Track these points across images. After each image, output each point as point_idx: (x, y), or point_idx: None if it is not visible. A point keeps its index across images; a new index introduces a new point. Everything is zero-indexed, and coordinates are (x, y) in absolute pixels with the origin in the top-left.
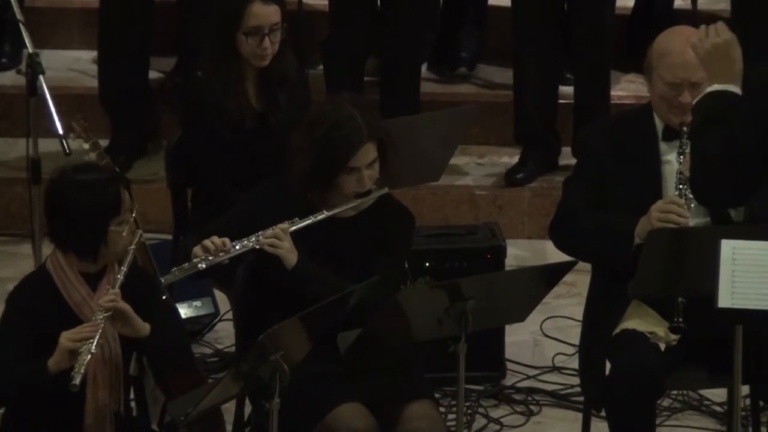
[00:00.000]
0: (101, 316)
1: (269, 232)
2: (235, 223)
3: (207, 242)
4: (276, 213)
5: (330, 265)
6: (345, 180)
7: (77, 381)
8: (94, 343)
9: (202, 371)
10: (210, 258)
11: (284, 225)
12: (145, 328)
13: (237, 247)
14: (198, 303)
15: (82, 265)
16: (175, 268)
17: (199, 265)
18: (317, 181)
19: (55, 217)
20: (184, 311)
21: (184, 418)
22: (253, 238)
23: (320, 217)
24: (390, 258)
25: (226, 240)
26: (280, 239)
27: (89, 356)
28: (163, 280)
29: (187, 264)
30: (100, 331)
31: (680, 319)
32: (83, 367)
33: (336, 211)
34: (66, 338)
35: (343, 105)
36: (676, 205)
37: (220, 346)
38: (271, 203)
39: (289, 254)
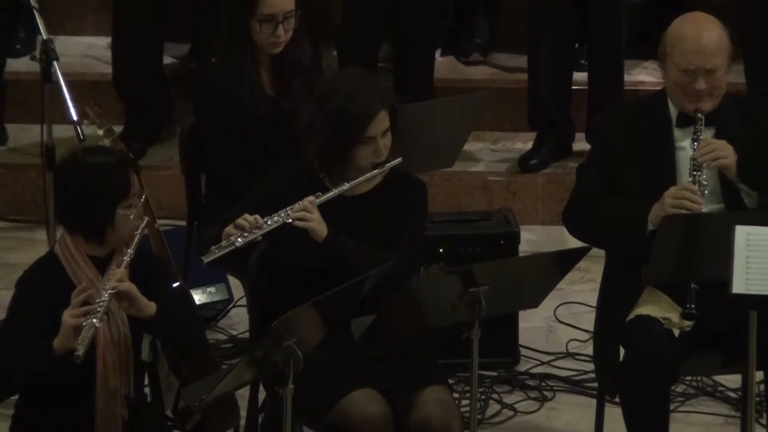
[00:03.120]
0: (106, 295)
1: (297, 206)
2: (254, 207)
3: (240, 221)
4: (294, 192)
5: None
6: (361, 151)
7: (81, 352)
8: (99, 316)
9: (216, 357)
10: (245, 235)
11: (311, 198)
12: (150, 307)
13: (269, 223)
14: (212, 289)
15: (89, 248)
16: (213, 247)
17: (236, 243)
18: (334, 155)
19: (64, 198)
20: (199, 297)
21: (198, 404)
22: (283, 213)
23: (343, 188)
24: (410, 228)
25: (258, 217)
26: (309, 212)
27: (93, 329)
28: (204, 259)
29: (224, 242)
30: (103, 304)
31: (692, 306)
32: (87, 339)
33: (357, 182)
34: (68, 315)
35: (351, 77)
36: (689, 192)
37: (234, 332)
38: (288, 184)
39: (320, 226)
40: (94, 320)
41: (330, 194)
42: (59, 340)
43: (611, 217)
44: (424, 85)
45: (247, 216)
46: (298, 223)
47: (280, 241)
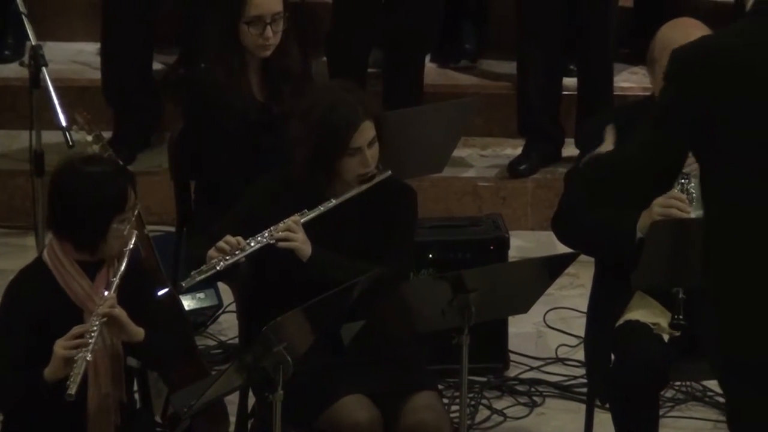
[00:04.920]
0: (96, 322)
1: (281, 225)
2: (241, 221)
3: (221, 243)
4: (281, 206)
5: (339, 250)
6: (348, 163)
7: (73, 390)
8: (89, 350)
9: (206, 363)
10: (227, 258)
11: (295, 217)
12: (138, 333)
13: (252, 245)
14: (201, 295)
15: (77, 255)
16: (193, 272)
17: (217, 266)
18: (320, 167)
19: (59, 207)
20: (188, 303)
21: (188, 409)
22: (267, 234)
23: (329, 206)
24: (399, 234)
25: (240, 239)
26: (293, 232)
27: (84, 364)
28: (183, 284)
29: (205, 266)
30: (94, 335)
31: (680, 317)
32: (79, 376)
33: (344, 198)
34: (60, 346)
35: (334, 89)
36: (677, 200)
37: (223, 338)
38: (275, 197)
39: (304, 245)
40: (87, 356)
41: (315, 212)
42: (50, 370)
43: (599, 226)
44: (414, 90)
45: (229, 238)
46: (281, 244)
47: (268, 254)
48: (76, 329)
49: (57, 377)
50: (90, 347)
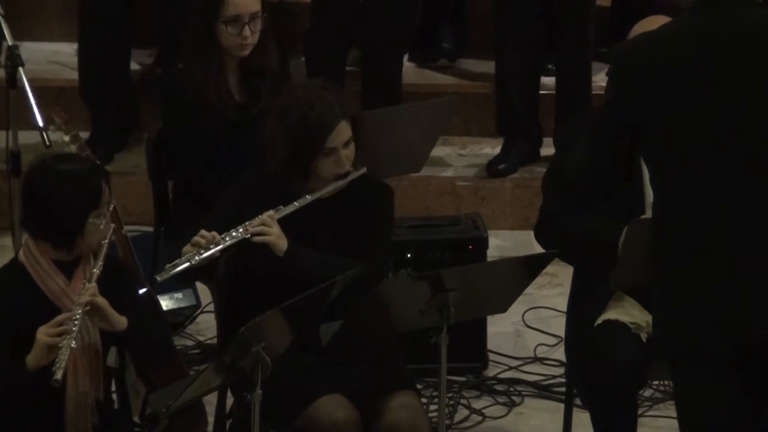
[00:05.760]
0: (79, 311)
1: (257, 220)
2: (219, 222)
3: (197, 238)
4: (259, 204)
5: (315, 247)
6: (323, 162)
7: (59, 375)
8: (73, 337)
9: (184, 363)
10: (202, 252)
11: (270, 212)
12: (121, 322)
13: (227, 239)
14: (179, 295)
15: (55, 254)
16: (168, 265)
17: (192, 261)
18: (296, 166)
19: (33, 206)
20: (166, 303)
21: (166, 410)
22: (241, 229)
23: (304, 202)
24: (376, 233)
25: (215, 233)
26: (268, 226)
27: (69, 351)
28: (158, 278)
29: (179, 259)
30: (77, 323)
31: None
32: (64, 362)
33: (319, 194)
34: (43, 333)
35: (312, 88)
36: None
37: (201, 338)
38: (252, 196)
39: (279, 240)
40: (72, 343)
41: (291, 208)
42: (32, 358)
43: (582, 238)
44: (392, 89)
45: (204, 233)
46: (256, 238)
47: (249, 246)
48: (59, 317)
49: (39, 365)
50: (73, 334)
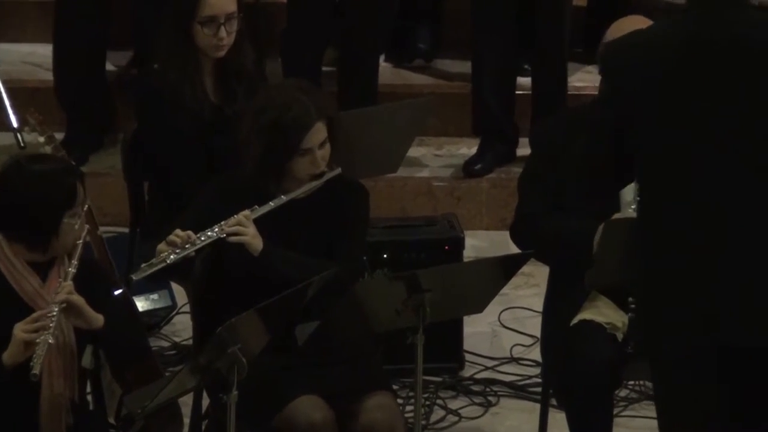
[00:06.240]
0: (56, 308)
1: (232, 220)
2: (194, 222)
3: (172, 237)
4: (234, 204)
5: (291, 247)
6: (298, 163)
7: (37, 370)
8: (51, 333)
9: (160, 364)
10: (177, 251)
11: (246, 212)
12: (98, 319)
13: (202, 239)
14: (155, 296)
15: (29, 255)
16: (143, 264)
17: (167, 260)
18: (271, 166)
19: (7, 207)
20: (141, 304)
21: (141, 411)
22: (217, 228)
23: (280, 202)
24: (351, 234)
25: (190, 232)
26: (244, 226)
27: (46, 346)
28: (133, 277)
29: (155, 259)
30: (54, 319)
31: (631, 348)
32: (42, 357)
33: (294, 194)
34: (20, 329)
35: (288, 88)
36: None
37: (177, 339)
38: (228, 196)
39: (255, 240)
40: (49, 338)
41: (266, 208)
42: (9, 355)
43: (557, 238)
44: (369, 90)
45: (179, 232)
46: (232, 238)
47: (225, 247)
48: (35, 314)
49: (16, 362)
50: (51, 330)
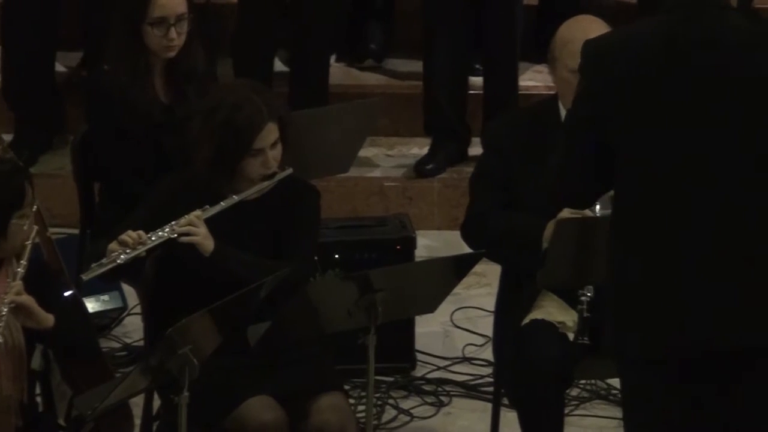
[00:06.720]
0: (5, 309)
1: (183, 220)
2: (144, 222)
3: (123, 236)
4: (185, 204)
5: (242, 248)
6: (250, 163)
7: None
8: (1, 332)
9: (110, 366)
10: (128, 251)
11: (197, 212)
12: (48, 319)
13: (153, 239)
14: (105, 297)
15: None
16: (94, 264)
17: (118, 260)
18: (222, 166)
19: None
20: (92, 305)
21: (92, 412)
22: (168, 228)
23: (231, 202)
24: (302, 235)
25: (141, 232)
26: (195, 226)
27: None
28: (84, 277)
29: (105, 259)
30: (3, 320)
31: (585, 338)
32: None
33: (245, 195)
34: None
35: (240, 88)
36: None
37: (128, 341)
38: (179, 195)
39: (206, 240)
40: None
41: (217, 208)
42: None
43: (506, 236)
44: (319, 90)
45: (130, 232)
46: (183, 238)
47: (176, 247)
48: None
49: None
50: (1, 330)
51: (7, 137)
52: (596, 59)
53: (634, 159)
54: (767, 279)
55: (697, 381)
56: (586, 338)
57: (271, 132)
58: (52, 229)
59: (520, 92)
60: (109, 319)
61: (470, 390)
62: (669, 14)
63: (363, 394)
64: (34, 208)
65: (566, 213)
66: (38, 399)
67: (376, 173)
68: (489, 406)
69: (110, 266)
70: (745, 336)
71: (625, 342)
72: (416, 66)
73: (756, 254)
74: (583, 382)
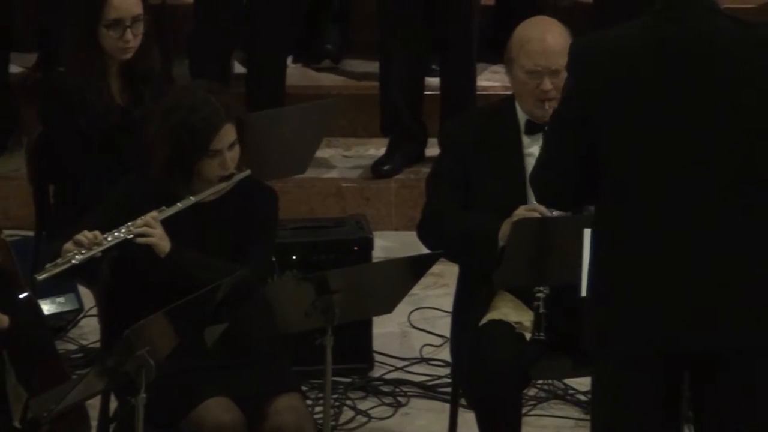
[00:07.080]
0: None
1: (139, 221)
2: (100, 223)
3: (79, 236)
4: (142, 205)
5: (199, 249)
6: (207, 164)
7: None
8: None
9: (66, 367)
10: (83, 252)
11: (153, 213)
12: (2, 321)
13: (109, 239)
14: (61, 299)
15: None
16: (48, 264)
17: (73, 260)
18: (179, 167)
19: None
20: (47, 307)
21: (47, 414)
22: (124, 229)
23: (188, 203)
24: (259, 236)
25: (97, 233)
26: (151, 227)
27: None
28: (38, 278)
29: (60, 259)
30: None
31: (541, 334)
32: None
33: (203, 196)
34: None
35: (197, 90)
36: (537, 212)
37: (84, 342)
38: (136, 196)
39: (162, 241)
40: None
41: (174, 209)
42: None
43: (462, 236)
44: (276, 91)
45: (86, 232)
46: (139, 239)
47: (133, 248)
48: None
49: None
50: None
51: None
52: (584, 59)
53: (621, 159)
54: (747, 280)
55: (672, 380)
56: (542, 334)
57: (228, 133)
58: (6, 231)
59: (477, 93)
60: (65, 321)
61: (428, 390)
62: (657, 15)
63: (320, 395)
64: None
65: (521, 212)
66: None
67: (334, 174)
68: (447, 406)
69: (65, 267)
70: (721, 337)
71: (606, 339)
72: (373, 67)
73: (738, 255)
74: (540, 382)
